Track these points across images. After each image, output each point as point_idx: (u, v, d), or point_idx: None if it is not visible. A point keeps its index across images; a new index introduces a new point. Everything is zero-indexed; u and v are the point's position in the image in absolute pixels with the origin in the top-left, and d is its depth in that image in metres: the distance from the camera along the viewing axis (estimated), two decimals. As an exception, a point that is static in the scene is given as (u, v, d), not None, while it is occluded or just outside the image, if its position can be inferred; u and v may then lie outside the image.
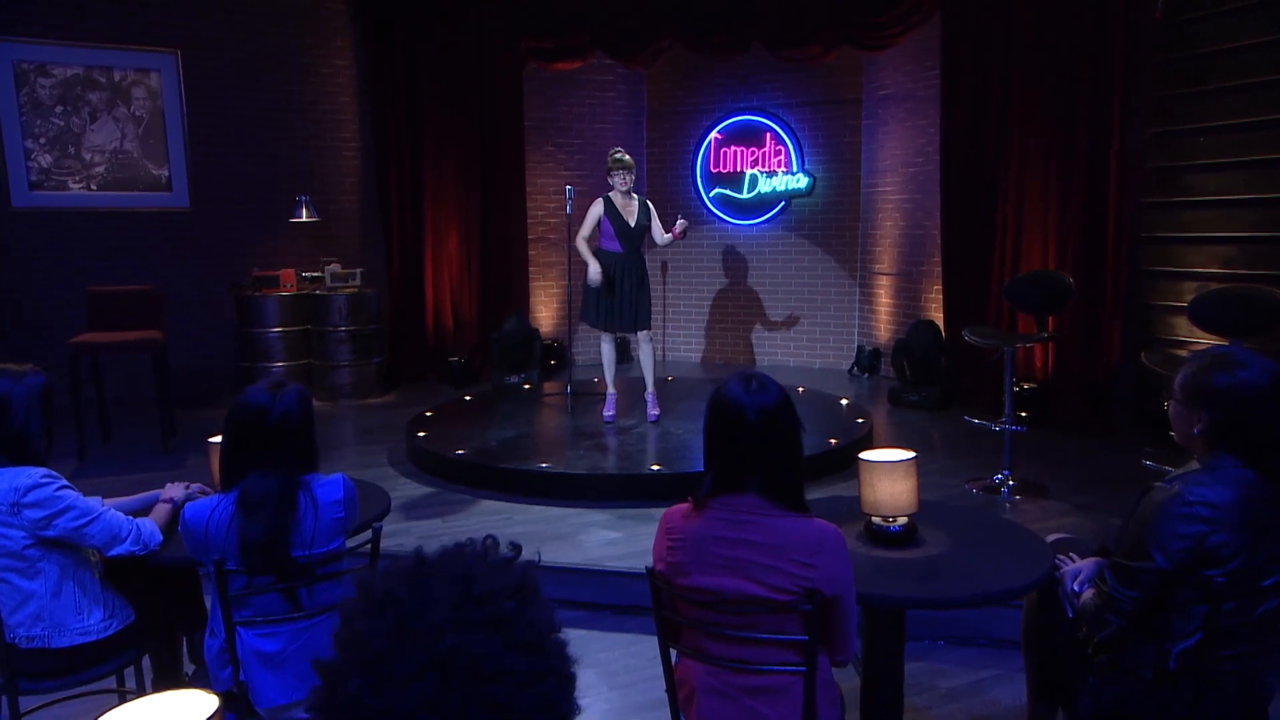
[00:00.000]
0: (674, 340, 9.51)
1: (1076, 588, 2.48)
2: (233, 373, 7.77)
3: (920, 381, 7.35)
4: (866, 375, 8.51)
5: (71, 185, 7.38)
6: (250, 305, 7.57)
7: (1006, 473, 5.20)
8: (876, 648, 2.74)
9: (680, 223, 6.04)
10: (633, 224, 5.99)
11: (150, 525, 2.81)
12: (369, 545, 2.68)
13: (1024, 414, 6.30)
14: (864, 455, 2.75)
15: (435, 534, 4.67)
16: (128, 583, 2.92)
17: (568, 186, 6.70)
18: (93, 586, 2.77)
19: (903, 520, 2.72)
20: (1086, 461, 5.74)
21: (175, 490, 3.03)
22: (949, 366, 7.26)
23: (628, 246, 6.01)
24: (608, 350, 6.22)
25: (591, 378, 8.01)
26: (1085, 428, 6.31)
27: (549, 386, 7.73)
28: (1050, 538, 2.85)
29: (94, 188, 7.46)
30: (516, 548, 1.07)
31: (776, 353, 9.20)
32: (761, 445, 2.13)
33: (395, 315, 8.42)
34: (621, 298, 6.02)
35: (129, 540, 2.73)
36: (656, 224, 6.15)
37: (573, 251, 6.28)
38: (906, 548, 2.69)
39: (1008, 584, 2.48)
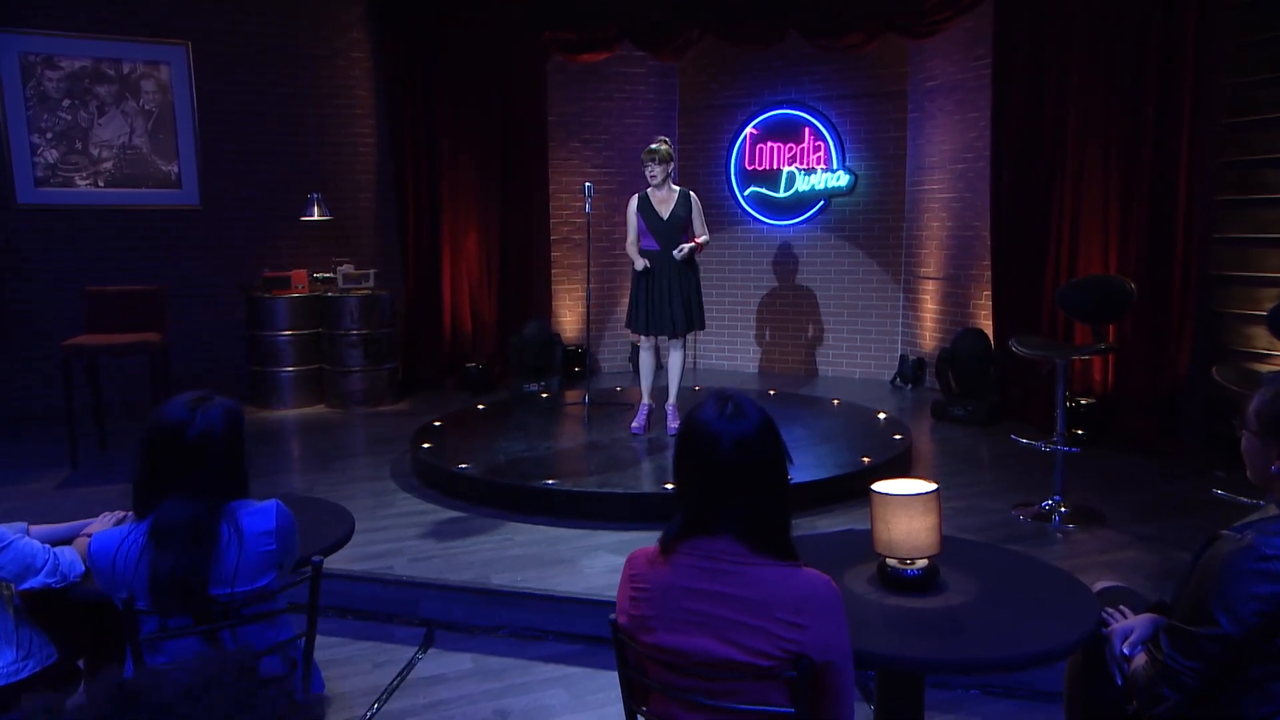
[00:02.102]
0: (704, 347, 9.16)
1: (1127, 650, 2.19)
2: (241, 377, 7.61)
3: (966, 394, 7.01)
4: (910, 387, 8.12)
5: (79, 181, 7.24)
6: (260, 307, 7.41)
7: (1058, 498, 4.81)
8: (891, 713, 2.46)
9: (689, 247, 5.60)
10: (665, 216, 5.62)
11: (71, 555, 2.60)
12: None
13: (1080, 432, 5.89)
14: (877, 486, 2.48)
15: (427, 556, 4.43)
16: (56, 618, 2.68)
17: (586, 184, 6.35)
18: (5, 624, 2.54)
19: (922, 563, 2.43)
20: (1149, 487, 5.34)
21: (106, 523, 2.74)
22: (998, 379, 6.92)
23: (665, 242, 5.64)
24: (646, 359, 5.88)
25: (615, 386, 7.71)
26: (1148, 449, 5.92)
27: (570, 395, 7.44)
28: (1097, 586, 2.57)
29: (102, 184, 7.31)
30: (250, 668, 0.84)
31: (814, 361, 8.79)
32: (738, 481, 1.88)
33: (410, 318, 8.20)
34: (658, 299, 5.67)
35: (44, 571, 2.50)
36: (697, 219, 5.70)
37: (594, 253, 5.93)
38: (926, 595, 2.41)
39: (1043, 644, 2.16)
